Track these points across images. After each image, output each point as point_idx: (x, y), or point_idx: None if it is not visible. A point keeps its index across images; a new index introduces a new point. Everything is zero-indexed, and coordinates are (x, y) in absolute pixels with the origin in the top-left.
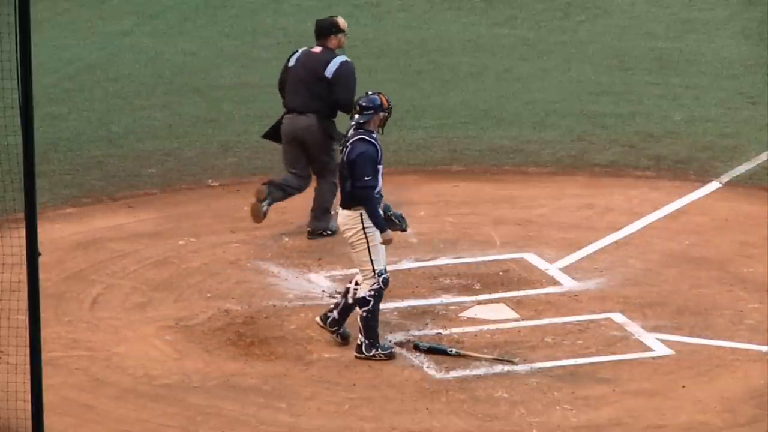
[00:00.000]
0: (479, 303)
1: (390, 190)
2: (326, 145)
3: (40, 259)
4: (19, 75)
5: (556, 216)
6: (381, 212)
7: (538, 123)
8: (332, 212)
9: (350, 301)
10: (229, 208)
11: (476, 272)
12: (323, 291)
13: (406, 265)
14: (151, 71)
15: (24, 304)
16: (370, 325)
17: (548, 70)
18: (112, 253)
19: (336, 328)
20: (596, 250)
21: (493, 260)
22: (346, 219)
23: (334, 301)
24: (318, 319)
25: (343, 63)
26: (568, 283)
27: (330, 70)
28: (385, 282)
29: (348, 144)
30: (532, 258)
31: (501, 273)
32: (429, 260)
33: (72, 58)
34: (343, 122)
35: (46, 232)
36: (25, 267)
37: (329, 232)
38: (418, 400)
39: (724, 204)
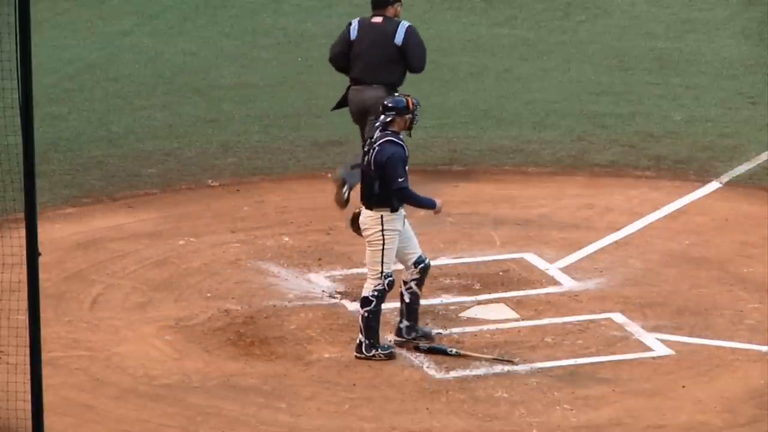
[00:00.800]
0: (479, 303)
1: None
2: None
3: (40, 259)
4: (19, 75)
5: (556, 216)
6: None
7: (538, 123)
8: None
9: (407, 300)
10: (229, 208)
11: (476, 272)
12: (323, 291)
13: None
14: (151, 71)
15: (24, 304)
16: (371, 325)
17: (548, 70)
18: (112, 253)
19: (414, 334)
20: (596, 250)
21: (493, 260)
22: (366, 219)
23: (334, 301)
24: (392, 340)
25: (409, 28)
26: (568, 283)
27: (399, 38)
28: (390, 285)
29: (375, 145)
30: (532, 258)
31: (501, 273)
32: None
33: (72, 58)
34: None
35: (46, 232)
36: (25, 267)
37: (349, 190)
38: (418, 400)
39: (724, 204)
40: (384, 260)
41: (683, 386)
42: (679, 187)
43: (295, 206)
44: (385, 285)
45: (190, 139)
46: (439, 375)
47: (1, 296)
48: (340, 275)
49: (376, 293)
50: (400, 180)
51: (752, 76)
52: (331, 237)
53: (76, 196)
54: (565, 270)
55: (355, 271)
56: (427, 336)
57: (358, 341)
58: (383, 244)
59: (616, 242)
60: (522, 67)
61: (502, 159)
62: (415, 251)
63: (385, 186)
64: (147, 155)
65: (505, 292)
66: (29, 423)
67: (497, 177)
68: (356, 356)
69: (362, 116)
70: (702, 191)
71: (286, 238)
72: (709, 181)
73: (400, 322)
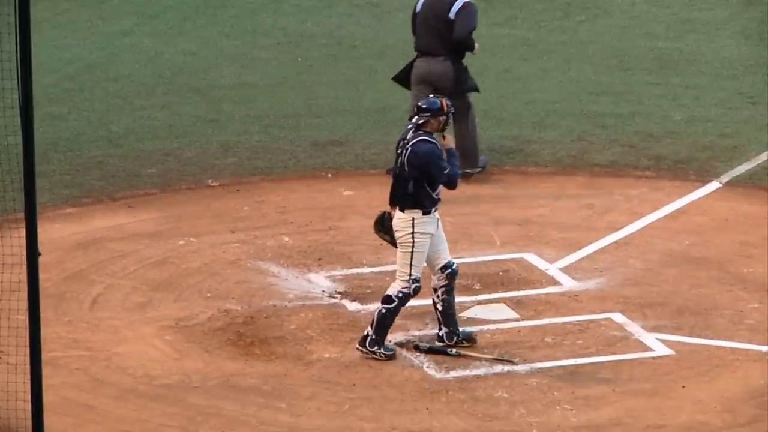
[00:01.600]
0: (479, 303)
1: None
2: (457, 87)
3: (40, 259)
4: (19, 75)
5: (556, 216)
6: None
7: (538, 123)
8: (479, 148)
9: (440, 308)
10: (229, 208)
11: (476, 272)
12: (323, 291)
13: None
14: (151, 71)
15: (24, 304)
16: (384, 323)
17: (548, 70)
18: (112, 253)
19: (456, 338)
20: (596, 250)
21: (493, 260)
22: (398, 221)
23: (334, 301)
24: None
25: (466, 3)
26: (568, 283)
27: (453, 11)
28: (416, 290)
29: (408, 146)
30: (532, 258)
31: (501, 273)
32: None
33: (72, 58)
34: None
35: (46, 232)
36: (25, 267)
37: (479, 170)
38: (418, 400)
39: (724, 204)
40: (413, 263)
41: (683, 386)
42: (679, 187)
43: (295, 206)
44: (411, 290)
45: (190, 139)
46: (439, 375)
47: (1, 296)
48: (340, 275)
49: (400, 295)
50: (445, 172)
51: (752, 76)
52: (331, 237)
53: (76, 196)
54: (565, 270)
55: (355, 271)
56: (469, 338)
57: (365, 333)
58: (413, 247)
59: (616, 242)
60: (522, 67)
61: (502, 159)
62: (445, 256)
63: (419, 185)
64: (147, 155)
65: (505, 292)
66: (29, 423)
67: (497, 177)
68: (357, 348)
69: (422, 85)
70: (702, 191)
71: (286, 238)
72: (709, 181)
73: (439, 329)
